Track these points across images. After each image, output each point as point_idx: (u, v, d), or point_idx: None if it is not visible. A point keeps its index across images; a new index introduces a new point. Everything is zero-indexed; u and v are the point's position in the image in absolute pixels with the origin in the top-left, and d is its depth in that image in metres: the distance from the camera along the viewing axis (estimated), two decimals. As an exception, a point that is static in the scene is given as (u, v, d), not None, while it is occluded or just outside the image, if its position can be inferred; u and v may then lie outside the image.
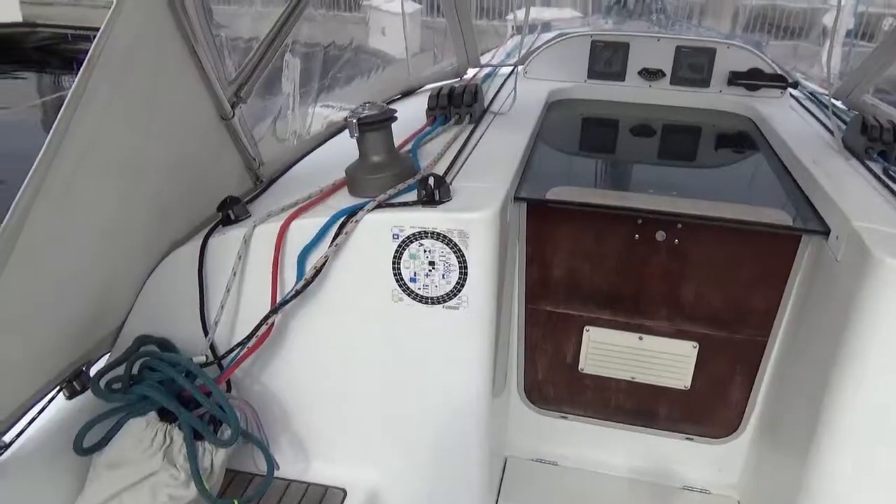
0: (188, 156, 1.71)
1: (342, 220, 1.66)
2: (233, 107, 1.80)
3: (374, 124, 1.73)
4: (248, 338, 1.68)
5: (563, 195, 2.02)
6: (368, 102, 1.80)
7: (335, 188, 1.84)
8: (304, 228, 1.69)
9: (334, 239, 1.65)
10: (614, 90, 3.10)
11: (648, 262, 2.06)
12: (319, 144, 2.39)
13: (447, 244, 1.66)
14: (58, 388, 1.59)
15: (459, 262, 1.67)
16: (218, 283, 1.75)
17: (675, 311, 2.10)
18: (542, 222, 2.08)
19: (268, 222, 1.72)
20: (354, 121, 1.70)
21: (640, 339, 2.16)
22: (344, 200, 1.76)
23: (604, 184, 2.39)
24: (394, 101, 2.95)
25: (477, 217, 1.64)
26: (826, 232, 1.80)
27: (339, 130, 2.47)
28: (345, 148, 1.91)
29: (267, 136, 2.22)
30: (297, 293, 1.66)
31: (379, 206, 1.69)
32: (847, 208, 1.73)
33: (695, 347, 2.12)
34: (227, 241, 1.72)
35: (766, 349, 2.07)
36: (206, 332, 1.76)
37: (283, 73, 2.46)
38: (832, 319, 1.68)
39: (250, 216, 1.78)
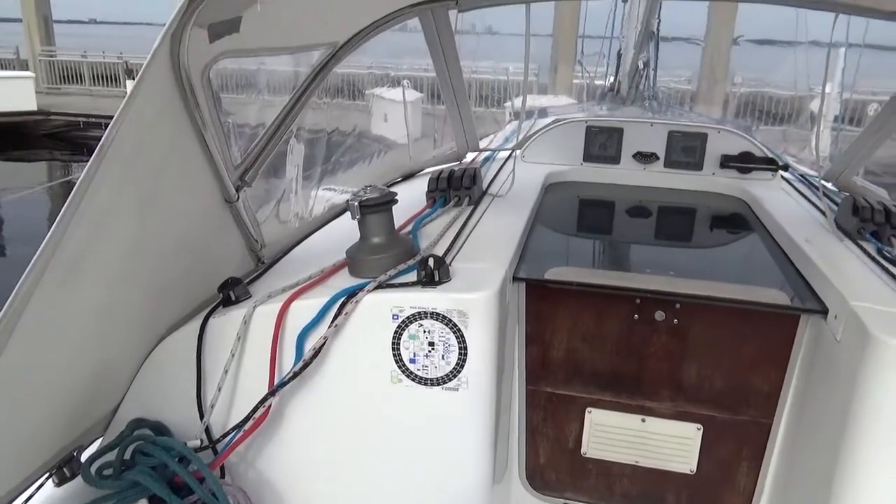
0: (191, 238, 1.74)
1: (342, 300, 1.67)
2: (237, 190, 1.84)
3: (374, 207, 1.77)
4: (244, 421, 1.65)
5: (562, 275, 2.03)
6: (370, 186, 1.84)
7: (336, 269, 1.85)
8: (305, 309, 1.69)
9: (334, 319, 1.65)
10: (610, 173, 3.18)
11: (648, 342, 2.05)
12: (321, 226, 2.43)
13: (447, 324, 1.66)
14: (47, 474, 1.55)
15: (459, 343, 1.67)
16: (216, 364, 1.73)
17: (678, 392, 2.08)
18: (542, 302, 2.09)
19: (268, 303, 1.73)
20: (356, 203, 1.74)
21: (643, 420, 2.12)
22: (344, 281, 1.77)
23: (602, 264, 2.41)
24: (395, 184, 3.02)
25: (476, 297, 1.65)
26: (824, 311, 1.80)
27: (341, 213, 2.52)
28: (346, 230, 1.95)
29: (270, 217, 2.27)
30: (296, 375, 1.65)
31: (379, 286, 1.70)
32: (844, 288, 1.74)
33: (699, 430, 2.08)
34: (226, 322, 1.72)
35: (772, 431, 2.03)
36: (201, 416, 1.74)
37: (288, 158, 2.53)
38: (836, 401, 1.66)
39: (251, 297, 1.79)
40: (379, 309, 1.68)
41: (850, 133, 3.51)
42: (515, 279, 1.98)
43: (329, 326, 1.65)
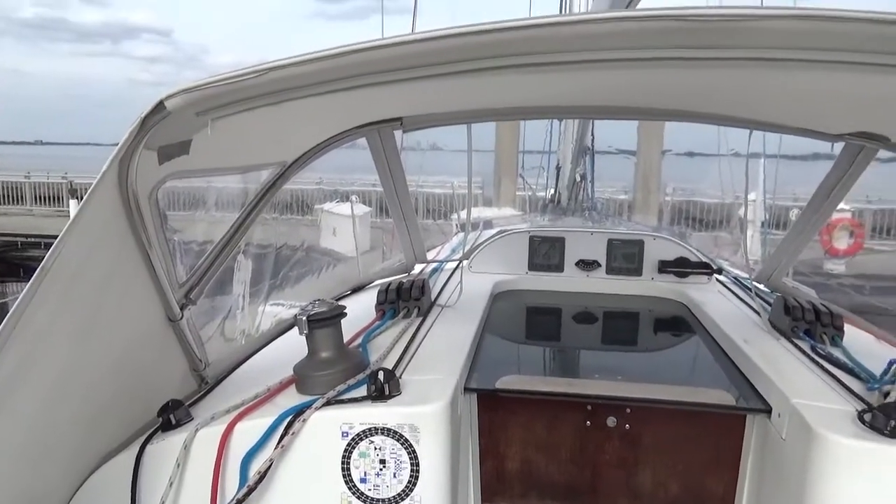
0: (130, 360, 1.68)
1: (289, 419, 1.62)
2: (182, 308, 1.81)
3: (323, 321, 1.76)
4: None
5: (513, 384, 2.03)
6: (318, 300, 1.84)
7: (283, 387, 1.81)
8: (250, 430, 1.63)
9: (280, 440, 1.59)
10: (555, 280, 3.27)
11: (602, 449, 2.04)
12: (268, 343, 2.38)
13: (398, 440, 1.62)
14: None
15: (411, 459, 1.62)
16: (153, 495, 1.62)
17: (634, 500, 2.04)
18: (494, 413, 2.06)
19: (211, 425, 1.66)
20: (304, 318, 1.73)
21: None
22: (292, 399, 1.73)
23: (552, 371, 2.42)
24: (344, 297, 3.02)
25: (427, 410, 1.63)
26: (769, 410, 1.84)
27: (289, 328, 2.49)
28: (294, 345, 1.92)
29: (215, 335, 2.22)
30: (239, 502, 1.56)
31: (328, 402, 1.66)
32: (785, 386, 1.79)
33: None
34: (165, 448, 1.64)
35: None
36: None
37: (235, 274, 2.52)
38: (788, 498, 1.66)
39: (193, 420, 1.72)
40: (328, 427, 1.63)
41: (776, 237, 3.73)
42: (467, 390, 1.97)
43: (275, 448, 1.58)
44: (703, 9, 1.01)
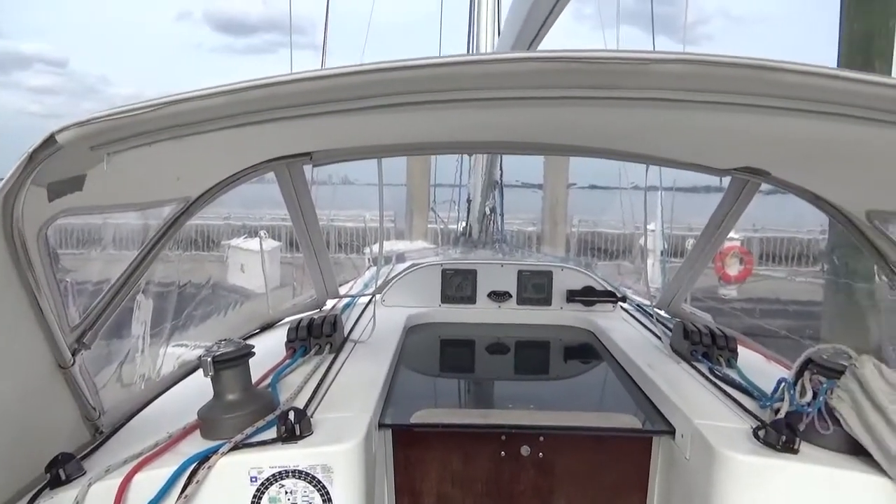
0: (14, 411, 1.55)
1: (193, 467, 1.53)
2: (73, 354, 1.69)
3: (229, 361, 1.69)
4: None
5: (428, 418, 2.02)
6: (224, 339, 1.77)
7: (186, 432, 1.71)
8: (150, 481, 1.53)
9: (183, 490, 1.50)
10: (467, 312, 3.30)
11: (517, 479, 2.05)
12: (171, 386, 2.26)
13: (310, 482, 1.57)
14: None
15: (324, 501, 1.57)
16: None
17: None
18: (409, 448, 2.04)
19: (105, 479, 1.54)
20: (208, 359, 1.65)
21: None
22: (196, 445, 1.64)
23: (466, 403, 2.43)
24: (252, 335, 2.92)
25: (340, 449, 1.59)
26: (672, 432, 1.92)
27: (193, 370, 2.37)
28: (198, 388, 1.83)
29: (111, 381, 2.08)
30: None
31: (235, 447, 1.59)
32: (686, 408, 1.87)
33: None
34: None
35: None
36: None
37: (134, 315, 2.39)
38: None
39: (85, 474, 1.59)
40: (235, 472, 1.55)
41: (674, 264, 3.93)
42: (381, 426, 1.94)
43: (178, 499, 1.49)
44: (598, 52, 1.06)
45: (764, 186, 2.23)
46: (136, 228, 2.14)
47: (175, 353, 2.60)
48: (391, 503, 2.04)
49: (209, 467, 1.52)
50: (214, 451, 1.56)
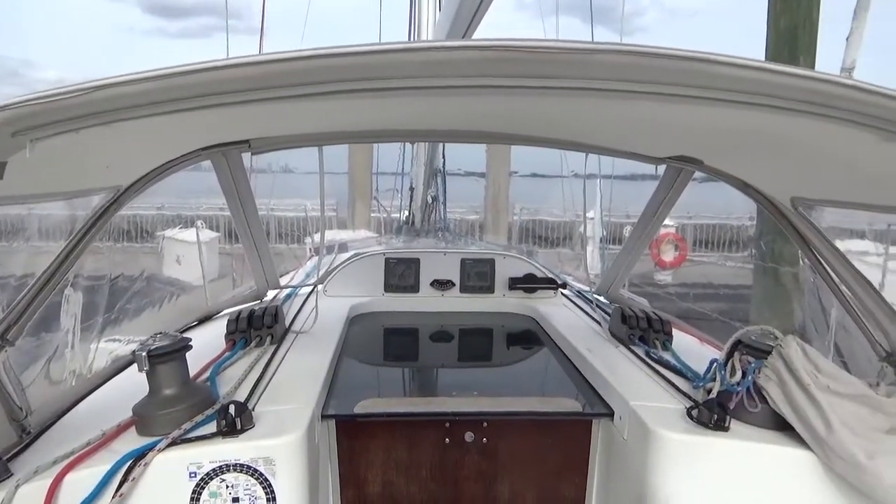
0: None
1: (128, 464, 1.48)
2: None
3: (165, 355, 1.64)
4: None
5: (372, 407, 2.02)
6: (160, 333, 1.71)
7: (121, 430, 1.66)
8: (82, 481, 1.47)
9: (119, 489, 1.45)
10: (411, 301, 3.30)
11: (462, 464, 2.07)
12: (103, 382, 2.18)
13: (252, 475, 1.54)
14: None
15: (267, 495, 1.55)
16: None
17: None
18: (353, 438, 2.03)
19: (34, 480, 1.48)
20: (143, 353, 1.60)
21: None
22: (131, 443, 1.59)
23: (411, 391, 2.43)
24: (190, 328, 2.84)
25: (282, 442, 1.57)
26: (611, 414, 1.97)
27: (127, 365, 2.29)
28: (133, 384, 1.77)
29: (39, 379, 1.99)
30: None
31: (173, 443, 1.54)
32: (624, 390, 1.93)
33: None
34: None
35: None
36: None
37: (63, 309, 2.29)
38: (631, 495, 1.78)
39: (12, 475, 1.52)
40: (173, 469, 1.51)
41: (613, 251, 4.04)
42: (324, 417, 1.92)
43: (113, 498, 1.44)
44: (538, 41, 1.07)
45: (697, 175, 2.30)
46: (63, 219, 2.04)
47: (108, 349, 2.51)
48: (335, 494, 2.03)
49: (145, 464, 1.48)
50: (151, 447, 1.52)
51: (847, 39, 5.83)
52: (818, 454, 1.57)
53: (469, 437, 2.06)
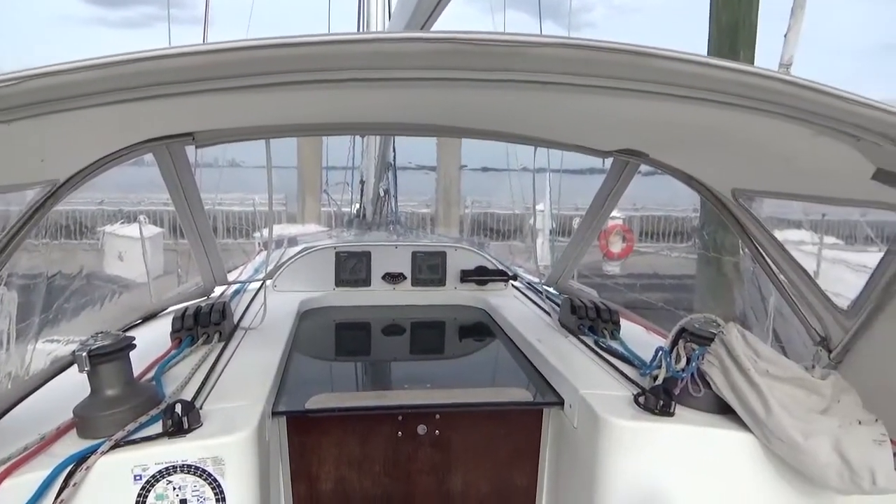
0: None
1: (69, 468, 1.43)
2: None
3: (106, 355, 1.58)
4: None
5: (323, 403, 2.00)
6: (101, 332, 1.66)
7: (61, 433, 1.60)
8: (19, 487, 1.41)
9: (59, 494, 1.40)
10: (362, 295, 3.28)
11: (415, 457, 2.08)
12: (41, 385, 2.09)
13: (200, 476, 1.51)
14: None
15: (216, 495, 1.52)
16: None
17: (447, 503, 2.11)
18: (304, 435, 2.01)
19: None
20: (83, 353, 1.55)
21: None
22: (72, 446, 1.53)
23: (363, 386, 2.42)
24: (133, 327, 2.76)
25: (231, 440, 1.54)
26: (561, 403, 2.01)
27: (67, 366, 2.21)
28: (74, 385, 1.71)
29: (-29, 382, 1.90)
30: None
31: (116, 445, 1.50)
32: (574, 379, 1.97)
33: None
34: None
35: None
36: None
37: (-4, 309, 2.19)
38: (582, 482, 1.82)
39: None
40: (117, 472, 1.47)
41: (562, 243, 4.09)
42: (275, 414, 1.90)
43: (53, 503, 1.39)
44: (487, 34, 1.08)
45: (643, 168, 2.36)
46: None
47: (46, 350, 2.41)
48: (287, 491, 2.01)
49: (87, 468, 1.43)
50: (93, 450, 1.47)
51: (785, 36, 6.04)
52: (758, 436, 1.63)
53: (422, 429, 2.06)
